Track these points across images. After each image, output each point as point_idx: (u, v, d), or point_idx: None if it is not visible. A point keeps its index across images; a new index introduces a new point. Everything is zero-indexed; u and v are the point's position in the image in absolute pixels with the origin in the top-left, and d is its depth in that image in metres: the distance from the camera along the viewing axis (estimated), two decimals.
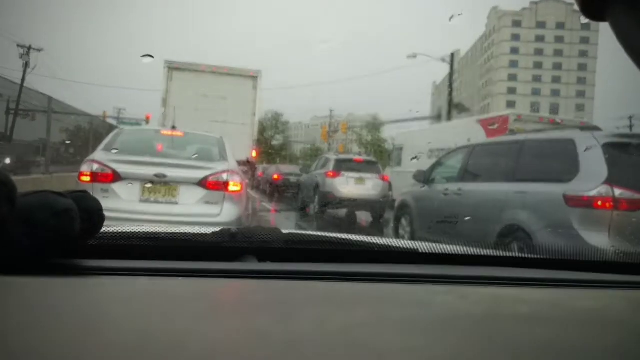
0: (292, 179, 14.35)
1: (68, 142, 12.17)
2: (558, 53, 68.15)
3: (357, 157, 10.67)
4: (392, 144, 18.19)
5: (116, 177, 3.52)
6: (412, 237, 5.17)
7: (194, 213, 3.56)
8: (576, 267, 0.90)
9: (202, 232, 0.83)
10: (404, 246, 0.97)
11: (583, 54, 67.31)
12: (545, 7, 67.73)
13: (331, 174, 9.28)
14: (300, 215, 10.27)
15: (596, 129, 4.10)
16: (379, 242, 0.91)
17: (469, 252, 0.91)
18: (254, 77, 11.06)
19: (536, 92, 67.89)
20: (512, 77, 68.58)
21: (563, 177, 3.46)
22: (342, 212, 9.92)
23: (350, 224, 9.22)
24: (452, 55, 20.61)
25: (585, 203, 3.21)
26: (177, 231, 0.87)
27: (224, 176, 3.66)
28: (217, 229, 0.81)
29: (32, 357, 0.33)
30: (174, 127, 4.64)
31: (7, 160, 9.45)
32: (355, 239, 0.91)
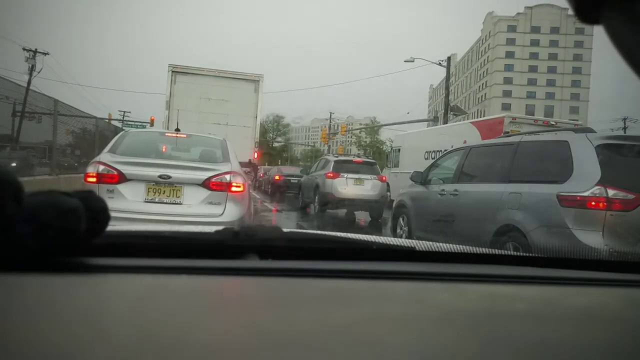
0: (293, 179, 14.44)
1: (74, 144, 12.19)
2: (553, 57, 68.58)
3: (356, 159, 10.73)
4: (390, 146, 18.27)
5: (121, 178, 3.56)
6: (410, 237, 5.21)
7: (198, 213, 3.59)
8: (571, 265, 0.91)
9: (205, 230, 0.84)
10: (402, 244, 0.97)
11: (577, 57, 67.78)
12: (540, 12, 68.13)
13: (331, 175, 9.35)
14: (301, 215, 10.30)
15: (590, 130, 4.14)
16: (377, 240, 0.91)
17: (466, 250, 0.92)
18: (255, 81, 11.14)
19: (531, 95, 68.20)
20: (508, 80, 68.86)
21: (557, 178, 3.48)
22: (342, 211, 9.96)
23: (349, 224, 9.25)
24: (449, 59, 20.71)
25: (578, 203, 3.23)
26: (181, 229, 0.88)
27: (227, 177, 3.70)
28: (220, 227, 0.82)
29: (37, 354, 0.33)
30: (177, 130, 4.62)
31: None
32: (354, 237, 0.92)
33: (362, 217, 9.90)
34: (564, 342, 0.44)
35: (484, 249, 0.99)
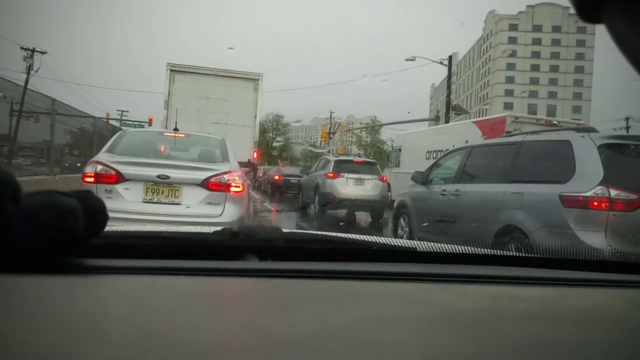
0: (293, 179, 14.45)
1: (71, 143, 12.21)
2: (555, 55, 68.40)
3: (356, 158, 10.73)
4: (391, 146, 18.25)
5: (119, 178, 3.54)
6: (411, 237, 5.20)
7: (196, 213, 3.58)
8: (573, 266, 0.91)
9: (204, 231, 0.83)
10: (402, 245, 0.96)
11: (579, 56, 67.60)
12: (542, 11, 67.99)
13: (331, 175, 9.35)
14: (301, 215, 10.32)
15: (592, 130, 4.13)
16: (377, 241, 0.91)
17: (467, 251, 0.92)
18: (255, 80, 11.11)
19: (533, 94, 68.06)
20: (510, 80, 68.76)
21: (559, 177, 3.47)
22: (342, 212, 9.96)
23: (349, 224, 9.26)
24: (450, 57, 20.65)
25: (581, 203, 3.22)
26: (180, 230, 0.87)
27: (226, 177, 3.69)
28: (219, 228, 0.82)
29: (37, 354, 0.34)
30: (176, 129, 4.62)
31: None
32: (354, 238, 0.92)
33: (363, 217, 9.90)
34: (565, 342, 0.44)
35: (485, 250, 0.99)
